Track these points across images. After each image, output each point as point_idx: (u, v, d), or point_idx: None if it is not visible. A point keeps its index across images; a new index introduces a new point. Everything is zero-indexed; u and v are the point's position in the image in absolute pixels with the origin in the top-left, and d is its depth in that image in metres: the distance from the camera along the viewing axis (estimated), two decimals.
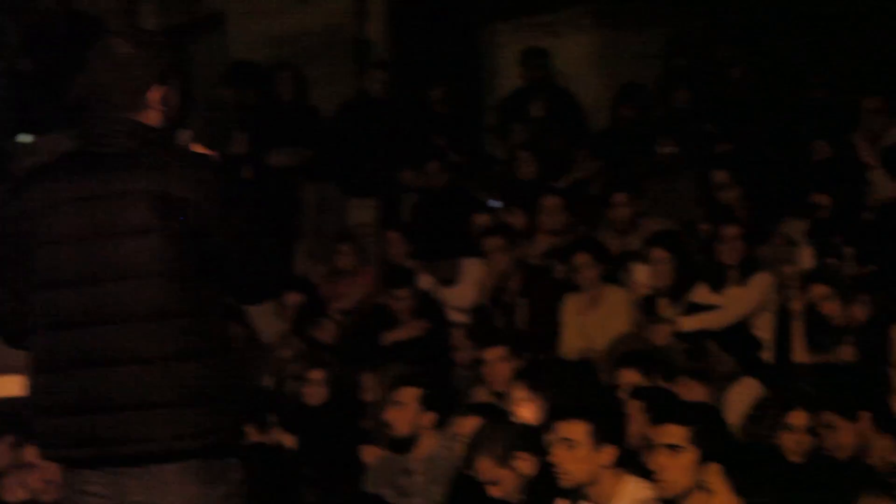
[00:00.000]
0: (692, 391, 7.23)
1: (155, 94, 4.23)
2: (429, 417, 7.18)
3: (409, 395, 7.19)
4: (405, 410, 7.15)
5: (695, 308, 8.24)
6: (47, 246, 4.18)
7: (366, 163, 11.15)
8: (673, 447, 5.95)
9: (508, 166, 10.90)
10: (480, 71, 12.80)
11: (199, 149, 4.28)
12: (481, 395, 7.88)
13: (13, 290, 4.25)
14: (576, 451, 6.02)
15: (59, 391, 4.18)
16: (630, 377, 7.20)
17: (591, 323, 8.49)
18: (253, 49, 12.41)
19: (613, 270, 8.86)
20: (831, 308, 7.57)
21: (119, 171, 4.14)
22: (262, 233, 4.21)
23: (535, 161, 10.59)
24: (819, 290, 7.64)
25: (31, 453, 7.19)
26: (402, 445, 7.21)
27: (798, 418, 6.56)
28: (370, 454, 7.65)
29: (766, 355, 7.96)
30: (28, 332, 4.23)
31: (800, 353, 7.61)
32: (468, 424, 6.87)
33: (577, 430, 6.19)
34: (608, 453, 5.94)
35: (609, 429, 6.23)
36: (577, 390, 7.25)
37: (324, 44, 13.47)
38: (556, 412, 6.45)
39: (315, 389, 8.35)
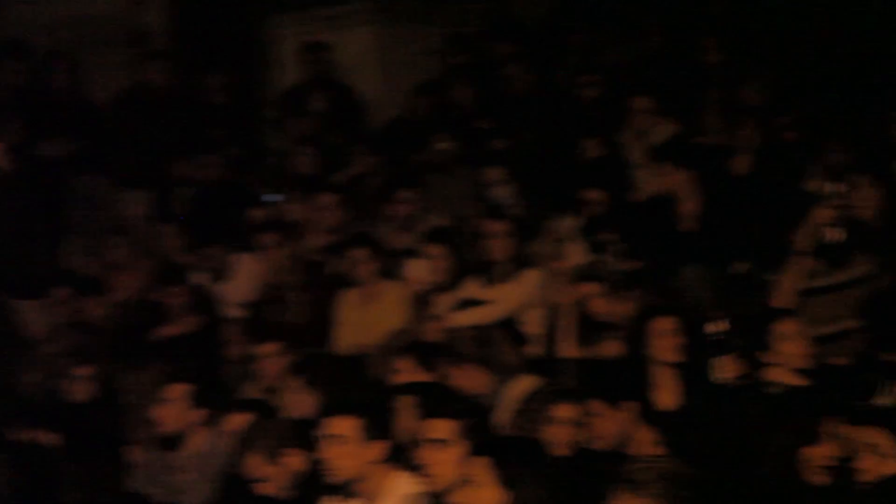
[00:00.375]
0: (475, 379, 7.31)
1: None
2: (198, 414, 7.10)
3: (178, 391, 7.11)
4: (174, 407, 7.07)
5: (466, 304, 8.33)
6: None
7: (139, 154, 10.96)
8: (441, 441, 6.02)
9: (288, 160, 10.85)
10: (261, 63, 12.72)
11: None
12: (252, 392, 7.84)
13: None
14: (345, 446, 6.04)
15: None
16: (405, 372, 7.23)
17: (366, 318, 8.51)
18: (29, 34, 12.09)
19: (390, 266, 8.90)
20: (599, 304, 7.73)
21: None
22: (26, 225, 4.11)
23: (315, 156, 10.57)
24: (587, 287, 7.80)
25: None
26: (171, 443, 7.12)
27: (562, 411, 6.69)
28: (137, 452, 7.53)
29: (537, 350, 8.08)
30: None
31: (567, 348, 7.75)
32: (238, 421, 6.83)
33: (346, 426, 6.21)
34: (377, 449, 5.98)
35: (379, 425, 6.26)
36: (350, 386, 7.27)
37: (103, 31, 13.22)
38: (327, 408, 6.45)
39: (81, 386, 8.19)
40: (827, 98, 9.60)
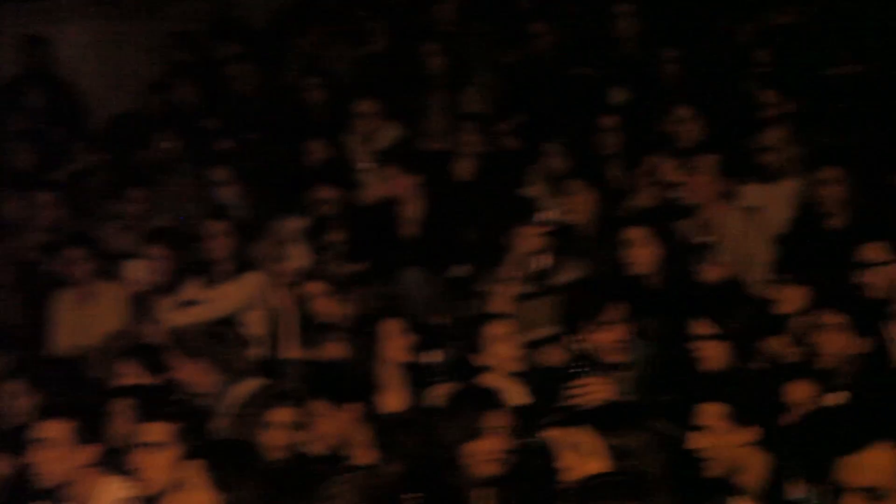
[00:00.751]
0: (202, 377, 7.22)
1: None
2: None
3: None
4: None
5: (187, 304, 8.24)
6: None
7: None
8: (155, 444, 5.94)
9: (4, 156, 10.53)
10: None
11: None
12: None
13: None
14: (55, 450, 5.91)
15: None
16: (126, 375, 7.10)
17: (83, 319, 8.34)
18: None
19: (110, 266, 8.73)
20: (321, 305, 7.73)
21: None
22: None
23: (32, 152, 10.29)
24: (312, 286, 7.78)
25: None
26: None
27: (279, 415, 6.67)
28: None
29: (260, 352, 8.05)
30: None
31: (290, 350, 7.74)
32: None
33: (57, 429, 6.07)
34: (88, 452, 5.86)
35: (91, 428, 6.14)
36: (64, 388, 7.11)
37: None
38: (40, 411, 6.30)
39: None
40: (544, 104, 9.82)
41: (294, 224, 8.85)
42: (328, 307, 7.76)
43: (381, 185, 9.13)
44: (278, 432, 6.60)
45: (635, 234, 7.20)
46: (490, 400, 5.80)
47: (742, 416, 5.15)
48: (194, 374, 7.25)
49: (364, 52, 11.33)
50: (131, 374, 7.17)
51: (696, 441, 5.19)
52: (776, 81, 8.81)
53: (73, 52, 11.87)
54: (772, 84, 8.76)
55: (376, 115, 9.96)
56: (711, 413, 5.20)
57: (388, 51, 11.21)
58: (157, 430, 6.03)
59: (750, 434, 5.16)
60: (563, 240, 7.79)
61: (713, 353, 6.12)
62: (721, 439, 5.14)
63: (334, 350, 7.52)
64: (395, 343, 7.01)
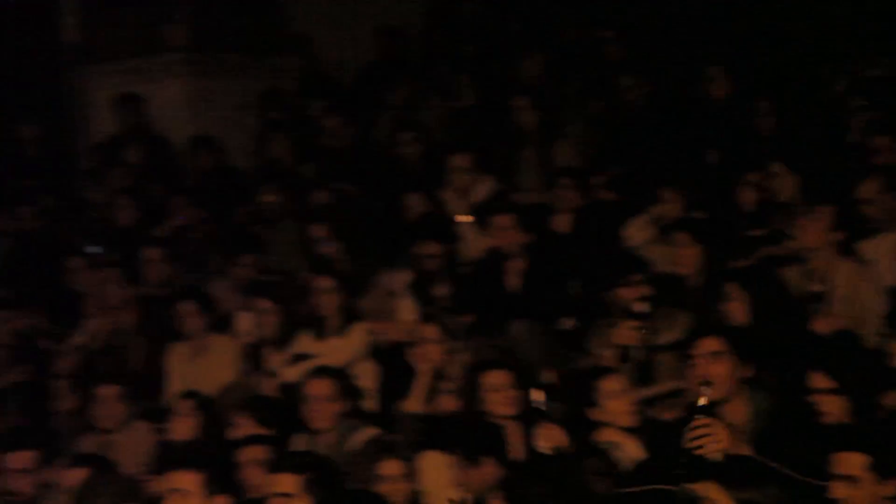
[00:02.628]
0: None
1: None
2: (50, 473, 7.05)
3: (25, 459, 7.01)
4: (26, 476, 6.99)
5: (298, 358, 8.37)
6: None
7: None
8: (286, 495, 6.08)
9: (106, 212, 10.76)
10: (71, 114, 12.58)
11: None
12: (88, 445, 7.75)
13: None
14: (187, 500, 6.06)
15: None
16: (243, 427, 7.25)
17: (197, 371, 8.49)
18: None
19: (220, 319, 8.90)
20: (434, 354, 7.80)
21: None
22: None
23: (134, 207, 10.51)
24: (426, 331, 7.88)
25: None
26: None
27: (389, 467, 6.79)
28: None
29: (371, 404, 8.18)
30: None
31: (402, 401, 7.83)
32: (74, 476, 6.75)
33: (188, 481, 6.22)
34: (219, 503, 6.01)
35: (221, 478, 6.29)
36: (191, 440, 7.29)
37: None
38: (168, 462, 6.45)
39: None
40: (644, 155, 9.93)
41: (400, 277, 8.99)
42: (440, 358, 7.85)
43: (480, 238, 9.25)
44: (389, 484, 6.74)
45: (731, 288, 7.30)
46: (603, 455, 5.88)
47: (882, 469, 5.19)
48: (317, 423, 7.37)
49: (454, 106, 11.51)
50: (249, 427, 7.33)
51: (838, 491, 5.21)
52: (881, 128, 8.87)
53: (168, 109, 12.13)
54: (878, 131, 8.82)
55: (471, 170, 10.11)
56: (854, 463, 5.22)
57: (479, 105, 11.38)
58: (286, 482, 6.17)
59: (892, 487, 5.18)
60: (670, 292, 7.87)
61: (832, 407, 6.15)
62: (864, 491, 5.17)
63: (447, 402, 7.64)
64: (500, 396, 7.07)
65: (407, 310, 8.68)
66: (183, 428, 7.54)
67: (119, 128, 11.79)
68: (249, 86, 12.30)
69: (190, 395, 7.80)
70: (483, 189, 10.03)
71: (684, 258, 8.10)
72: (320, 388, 7.47)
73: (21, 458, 7.00)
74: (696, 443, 5.69)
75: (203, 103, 12.22)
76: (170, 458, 6.57)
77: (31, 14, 12.71)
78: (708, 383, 5.84)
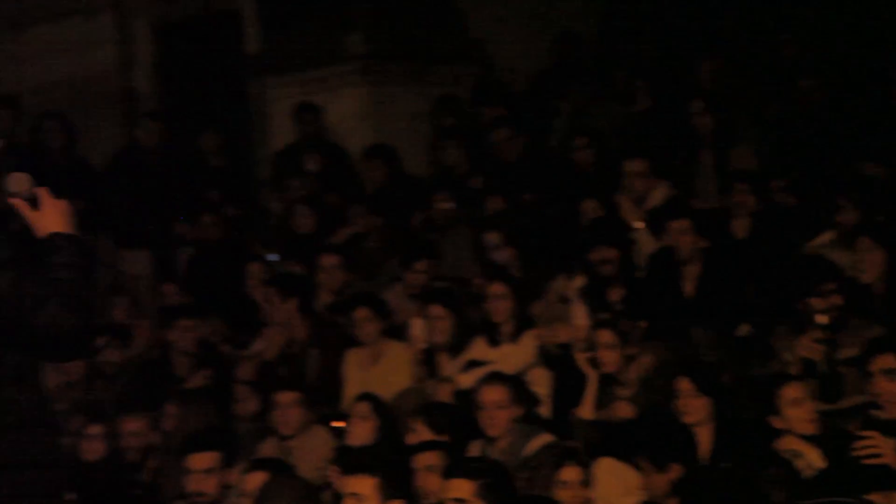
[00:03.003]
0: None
1: None
2: (231, 475, 7.19)
3: (209, 459, 7.16)
4: (210, 477, 7.13)
5: (472, 364, 8.39)
6: None
7: (139, 214, 11.04)
8: (459, 501, 6.10)
9: (285, 220, 10.94)
10: (251, 124, 12.82)
11: (40, 193, 4.24)
12: (267, 449, 7.89)
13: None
14: None
15: None
16: (419, 432, 7.30)
17: (373, 378, 8.57)
18: (20, 95, 12.20)
19: (395, 326, 8.98)
20: (610, 359, 7.78)
21: None
22: (47, 287, 4.14)
23: (312, 215, 10.67)
24: (602, 336, 7.85)
25: None
26: None
27: (568, 473, 6.77)
28: None
29: (546, 410, 8.17)
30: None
31: (584, 410, 7.80)
32: (254, 480, 6.87)
33: (365, 485, 6.28)
34: None
35: (397, 483, 6.34)
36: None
37: (90, 93, 13.33)
38: (346, 466, 6.53)
39: (92, 444, 8.21)
40: (823, 159, 9.75)
41: (574, 283, 8.96)
42: (616, 364, 7.82)
43: (656, 244, 9.17)
44: (568, 490, 6.72)
45: None
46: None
47: None
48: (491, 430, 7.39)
49: (629, 111, 11.44)
50: (423, 432, 7.38)
51: None
52: None
53: (344, 118, 12.28)
54: None
55: (646, 175, 10.03)
56: None
57: (654, 110, 11.28)
58: (460, 487, 6.20)
59: None
60: (855, 299, 7.70)
61: None
62: None
63: (622, 409, 7.60)
64: (694, 402, 7.01)
65: (580, 315, 8.65)
66: (359, 431, 7.63)
67: (297, 137, 11.96)
68: (425, 93, 12.37)
69: (365, 397, 7.89)
70: (659, 194, 9.95)
71: (868, 264, 7.91)
72: (494, 395, 7.48)
73: (205, 459, 7.15)
74: (859, 453, 5.65)
75: (379, 112, 12.33)
76: (347, 462, 6.65)
77: (215, 27, 13.00)
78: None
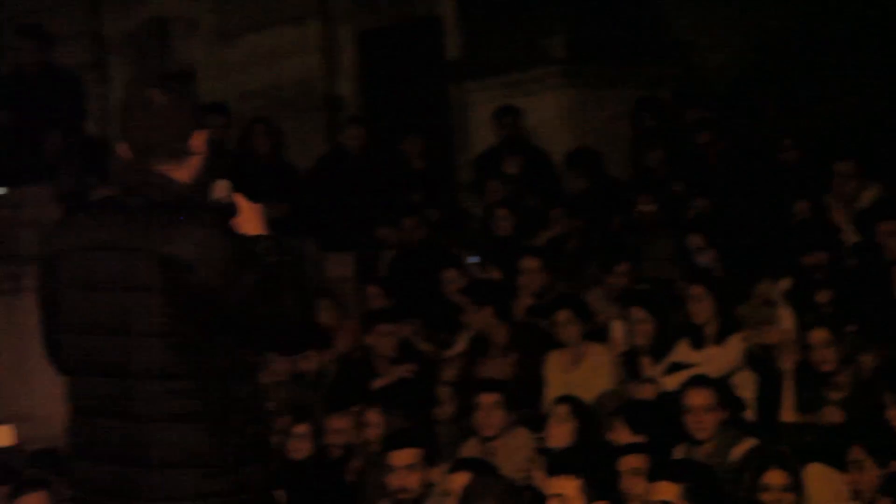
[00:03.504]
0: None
1: (196, 141, 4.28)
2: (433, 473, 7.24)
3: (411, 456, 7.22)
4: (413, 473, 7.20)
5: (676, 367, 8.31)
6: (64, 290, 4.22)
7: (343, 217, 11.21)
8: None
9: (485, 223, 10.99)
10: (451, 128, 12.92)
11: (238, 199, 4.34)
12: (470, 450, 7.93)
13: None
14: None
15: (78, 435, 4.23)
16: (622, 434, 7.26)
17: (574, 380, 8.54)
18: (225, 103, 12.50)
19: (596, 328, 8.94)
20: (823, 358, 7.62)
21: (133, 225, 4.16)
22: (281, 286, 4.23)
23: (512, 217, 10.69)
24: (818, 335, 7.69)
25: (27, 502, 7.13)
26: None
27: (773, 477, 6.64)
28: None
29: (751, 413, 8.04)
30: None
31: (787, 413, 7.67)
32: (458, 480, 6.91)
33: (569, 486, 6.27)
34: None
35: (601, 485, 6.32)
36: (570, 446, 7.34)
37: (294, 99, 13.61)
38: (550, 467, 6.53)
39: (300, 444, 8.35)
40: None
41: (780, 286, 8.80)
42: (832, 361, 7.65)
43: (864, 246, 8.96)
44: (772, 494, 6.60)
45: None
46: None
47: None
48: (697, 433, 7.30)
49: (832, 111, 11.21)
50: (623, 431, 7.34)
51: None
52: None
53: (544, 121, 12.28)
54: None
55: (855, 176, 9.81)
56: None
57: (859, 109, 11.03)
58: (665, 490, 6.14)
59: None
60: None
61: None
62: None
63: (832, 414, 7.43)
64: None
65: (786, 318, 8.49)
66: (559, 432, 7.61)
67: (497, 140, 12.01)
68: (626, 95, 12.31)
69: (565, 399, 7.86)
70: (868, 195, 9.72)
71: None
72: (699, 398, 7.40)
73: (407, 455, 7.21)
74: None
75: (580, 114, 12.31)
76: (551, 463, 6.65)
77: (416, 33, 13.15)
78: None
